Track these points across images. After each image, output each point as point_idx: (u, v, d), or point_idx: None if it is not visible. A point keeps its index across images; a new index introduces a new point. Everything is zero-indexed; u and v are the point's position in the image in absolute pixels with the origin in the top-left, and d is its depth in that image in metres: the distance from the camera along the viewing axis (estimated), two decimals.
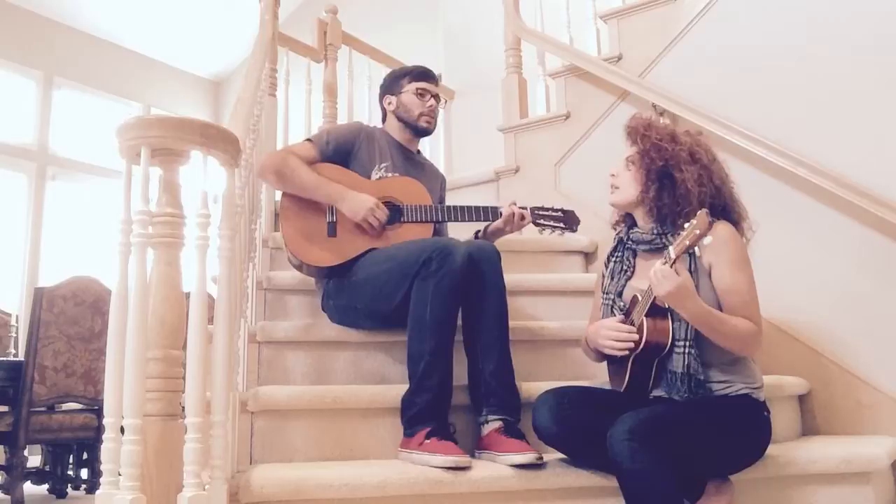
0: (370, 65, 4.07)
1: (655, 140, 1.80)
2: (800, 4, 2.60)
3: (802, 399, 2.40)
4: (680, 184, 1.76)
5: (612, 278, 1.90)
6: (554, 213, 2.31)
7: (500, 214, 2.27)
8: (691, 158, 1.78)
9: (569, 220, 2.31)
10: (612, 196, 1.91)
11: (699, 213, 1.57)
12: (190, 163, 1.46)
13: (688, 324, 1.70)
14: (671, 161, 1.78)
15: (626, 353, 1.71)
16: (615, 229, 1.98)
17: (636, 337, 1.70)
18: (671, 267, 1.59)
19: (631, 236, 1.88)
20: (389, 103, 2.41)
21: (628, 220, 1.94)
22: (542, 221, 2.29)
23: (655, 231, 1.82)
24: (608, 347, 1.74)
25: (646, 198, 1.81)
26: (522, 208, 2.27)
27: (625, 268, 1.88)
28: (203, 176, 1.46)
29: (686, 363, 1.69)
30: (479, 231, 2.34)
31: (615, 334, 1.73)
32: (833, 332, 2.39)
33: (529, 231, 3.18)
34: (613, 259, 1.93)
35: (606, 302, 1.89)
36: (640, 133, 1.84)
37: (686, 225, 1.59)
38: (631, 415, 1.56)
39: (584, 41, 3.27)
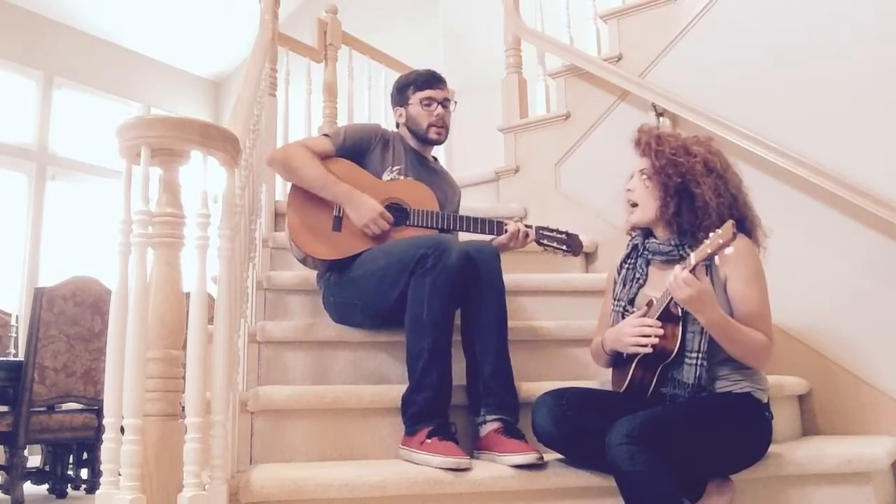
0: (370, 65, 4.07)
1: (670, 155, 1.78)
2: (800, 4, 2.59)
3: (802, 399, 2.40)
4: (698, 197, 1.74)
5: (625, 285, 1.88)
6: (558, 235, 2.28)
7: (505, 230, 2.24)
8: (706, 169, 1.77)
9: (572, 244, 2.28)
10: (631, 216, 1.88)
11: (727, 223, 1.57)
12: (190, 163, 1.46)
13: (701, 336, 1.69)
14: (688, 176, 1.76)
15: (651, 349, 1.69)
16: (630, 235, 1.96)
17: (661, 331, 1.68)
18: (691, 272, 1.59)
19: (648, 246, 1.86)
20: (400, 115, 2.41)
21: (644, 230, 1.91)
22: (545, 242, 2.26)
23: (673, 242, 1.81)
24: (633, 344, 1.71)
25: (665, 214, 1.79)
26: (528, 226, 2.26)
27: (637, 276, 1.87)
28: (203, 176, 1.46)
29: (697, 375, 1.69)
30: None
31: (640, 329, 1.70)
32: (833, 332, 2.39)
33: None
34: (626, 266, 1.91)
35: (617, 309, 1.87)
36: (652, 148, 1.81)
37: (711, 234, 1.60)
38: (629, 418, 1.56)
39: (584, 41, 3.26)
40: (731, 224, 1.57)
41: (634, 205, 1.86)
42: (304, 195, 2.19)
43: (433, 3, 5.26)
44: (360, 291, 2.10)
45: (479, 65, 4.42)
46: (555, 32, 3.36)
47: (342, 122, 3.62)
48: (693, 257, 1.61)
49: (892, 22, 2.39)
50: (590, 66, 3.06)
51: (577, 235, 2.31)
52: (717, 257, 1.61)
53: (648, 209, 1.83)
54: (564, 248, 2.27)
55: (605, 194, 2.95)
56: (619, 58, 3.05)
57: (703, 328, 1.68)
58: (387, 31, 5.19)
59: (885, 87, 2.38)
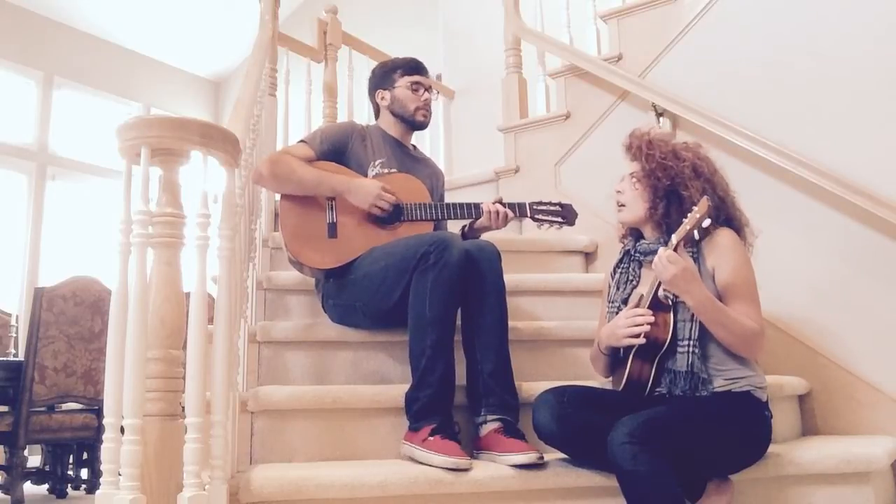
0: (370, 65, 4.05)
1: (660, 159, 1.84)
2: (800, 4, 2.60)
3: (802, 399, 2.40)
4: (686, 200, 1.80)
5: (618, 288, 1.92)
6: (552, 208, 2.30)
7: (481, 210, 2.25)
8: (695, 173, 1.83)
9: (567, 214, 2.30)
10: (619, 214, 1.94)
11: (702, 199, 1.66)
12: (190, 163, 1.46)
13: (692, 323, 1.71)
14: (677, 179, 1.82)
15: (644, 339, 1.71)
16: (622, 242, 2.01)
17: (652, 319, 1.71)
18: (673, 251, 1.64)
19: (638, 248, 1.91)
20: (382, 98, 2.41)
21: (634, 233, 1.97)
22: (540, 216, 2.28)
23: (662, 241, 1.85)
24: (628, 336, 1.73)
25: (654, 215, 1.86)
26: (519, 204, 2.27)
27: (630, 277, 1.91)
28: (203, 176, 1.46)
29: (690, 362, 1.71)
30: (464, 227, 2.33)
31: (631, 320, 1.73)
32: (833, 331, 2.39)
33: (529, 230, 3.18)
34: (619, 270, 1.95)
35: (611, 310, 1.91)
36: (643, 152, 1.88)
37: (688, 214, 1.67)
38: (630, 417, 1.57)
39: (584, 41, 3.26)
40: (705, 199, 1.65)
41: (623, 205, 1.93)
42: (293, 206, 2.17)
43: (433, 3, 5.26)
44: (362, 293, 2.10)
45: (479, 65, 4.42)
46: (555, 32, 3.36)
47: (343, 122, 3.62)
48: (674, 237, 1.68)
49: (892, 21, 2.39)
50: (590, 66, 3.07)
51: (570, 205, 2.33)
52: (703, 245, 1.71)
53: (637, 209, 1.89)
54: (560, 219, 2.30)
55: (605, 194, 2.94)
56: (619, 58, 3.05)
57: (692, 315, 1.71)
58: (387, 31, 5.19)
59: (886, 87, 2.38)
